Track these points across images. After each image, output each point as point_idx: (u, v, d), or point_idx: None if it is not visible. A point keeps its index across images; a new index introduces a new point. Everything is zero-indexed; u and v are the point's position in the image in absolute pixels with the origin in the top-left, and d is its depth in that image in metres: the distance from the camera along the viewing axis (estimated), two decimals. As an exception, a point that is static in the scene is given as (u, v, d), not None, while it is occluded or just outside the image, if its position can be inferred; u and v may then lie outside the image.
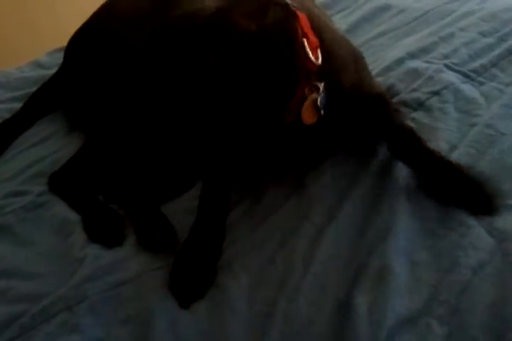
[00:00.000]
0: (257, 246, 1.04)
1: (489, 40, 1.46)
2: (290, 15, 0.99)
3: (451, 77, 1.34)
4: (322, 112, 1.02)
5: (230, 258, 1.03)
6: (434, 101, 1.29)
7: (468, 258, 0.93)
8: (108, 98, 1.24)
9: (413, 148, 1.09)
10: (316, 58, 1.00)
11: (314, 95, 1.01)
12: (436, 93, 1.30)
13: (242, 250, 1.04)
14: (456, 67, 1.38)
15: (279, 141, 1.08)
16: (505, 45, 1.43)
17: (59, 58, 1.52)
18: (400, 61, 1.43)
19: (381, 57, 1.47)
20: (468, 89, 1.30)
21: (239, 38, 0.93)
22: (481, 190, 1.01)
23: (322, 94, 1.01)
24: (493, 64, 1.37)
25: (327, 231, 1.03)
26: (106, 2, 1.42)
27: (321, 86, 1.01)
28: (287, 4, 1.00)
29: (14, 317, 0.98)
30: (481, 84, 1.32)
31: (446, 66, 1.38)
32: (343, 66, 1.09)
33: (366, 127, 1.16)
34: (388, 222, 1.01)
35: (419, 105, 1.29)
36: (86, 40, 1.36)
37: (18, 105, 1.49)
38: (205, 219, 1.05)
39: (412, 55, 1.45)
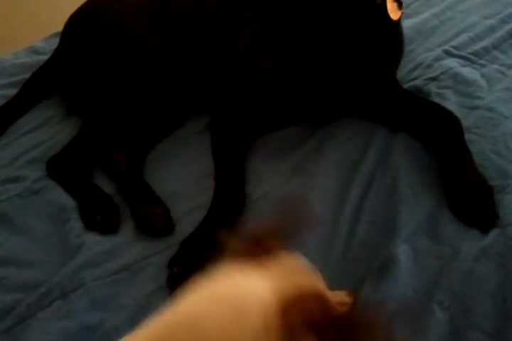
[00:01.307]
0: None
1: (491, 21, 1.44)
2: None
3: (450, 62, 1.33)
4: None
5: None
6: (431, 86, 1.28)
7: (471, 244, 0.92)
8: (105, 80, 1.23)
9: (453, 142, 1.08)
10: None
11: None
12: (433, 79, 1.29)
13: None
14: (456, 51, 1.36)
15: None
16: (507, 27, 1.42)
17: (54, 44, 1.50)
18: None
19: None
20: (468, 72, 1.29)
21: None
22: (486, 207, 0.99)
23: None
24: (495, 46, 1.36)
25: (328, 218, 1.02)
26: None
27: None
28: None
29: (11, 306, 0.97)
30: (483, 66, 1.30)
31: (446, 52, 1.37)
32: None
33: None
34: (390, 210, 1.00)
35: (418, 92, 1.27)
36: (82, 23, 1.35)
37: (13, 91, 1.47)
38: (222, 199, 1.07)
39: (412, 40, 1.44)
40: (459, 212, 0.98)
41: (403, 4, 1.58)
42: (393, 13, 1.03)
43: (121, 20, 1.26)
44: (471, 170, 1.03)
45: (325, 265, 0.95)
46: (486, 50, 1.35)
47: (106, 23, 1.27)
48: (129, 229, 1.08)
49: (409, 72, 1.34)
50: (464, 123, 1.15)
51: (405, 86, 1.29)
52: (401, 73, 1.34)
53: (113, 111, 1.23)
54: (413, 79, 1.31)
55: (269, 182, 1.13)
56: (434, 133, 1.10)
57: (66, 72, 1.35)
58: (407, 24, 1.51)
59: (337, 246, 0.99)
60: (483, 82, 1.24)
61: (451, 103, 1.22)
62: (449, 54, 1.36)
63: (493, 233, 0.94)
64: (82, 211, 1.12)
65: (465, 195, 1.00)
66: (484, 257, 0.90)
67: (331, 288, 0.68)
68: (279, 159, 1.17)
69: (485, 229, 0.95)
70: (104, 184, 1.19)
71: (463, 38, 1.41)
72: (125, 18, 1.26)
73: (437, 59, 1.35)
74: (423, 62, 1.35)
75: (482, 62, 1.32)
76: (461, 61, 1.33)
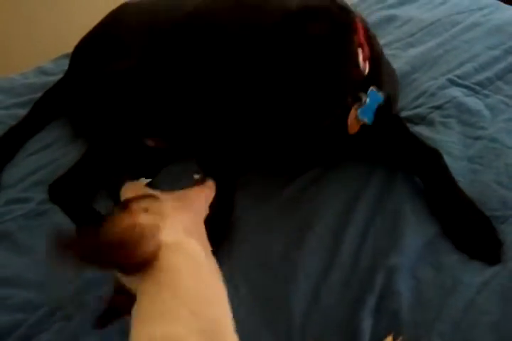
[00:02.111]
0: (260, 256, 1.04)
1: (495, 52, 1.45)
2: (352, 23, 0.98)
3: (454, 91, 1.34)
4: (368, 121, 1.01)
5: (231, 266, 1.02)
6: (435, 115, 1.29)
7: (473, 276, 0.92)
8: (112, 106, 1.24)
9: (436, 175, 1.08)
10: (364, 69, 0.99)
11: (356, 107, 1.00)
12: (438, 107, 1.30)
13: (244, 258, 1.04)
14: (460, 81, 1.37)
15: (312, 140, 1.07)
16: (511, 59, 1.43)
17: (63, 65, 1.52)
18: (404, 76, 1.42)
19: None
20: (472, 102, 1.30)
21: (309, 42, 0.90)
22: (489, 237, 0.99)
23: (367, 103, 1.00)
24: (499, 77, 1.37)
25: (331, 248, 1.02)
26: (112, 11, 1.42)
27: (364, 96, 1.00)
28: (351, 12, 0.99)
29: (13, 327, 0.97)
30: (486, 96, 1.31)
31: (450, 81, 1.38)
32: (385, 79, 1.09)
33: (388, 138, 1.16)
34: (393, 238, 1.01)
35: (421, 119, 1.29)
36: (91, 47, 1.36)
37: (21, 111, 1.49)
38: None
39: (416, 69, 1.45)
40: (459, 244, 0.98)
41: (407, 34, 1.63)
42: (352, 127, 1.03)
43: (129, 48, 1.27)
44: (466, 202, 1.04)
45: (325, 290, 0.96)
46: (489, 80, 1.36)
47: (113, 50, 1.28)
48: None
49: (413, 100, 1.35)
50: (468, 153, 1.16)
51: (409, 113, 1.31)
52: (405, 101, 1.35)
53: (118, 135, 1.23)
54: (417, 107, 1.33)
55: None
56: (421, 171, 1.10)
57: (73, 95, 1.36)
58: (411, 53, 1.53)
59: (338, 271, 0.99)
60: (486, 113, 1.25)
61: (455, 132, 1.23)
62: (453, 83, 1.37)
63: (497, 265, 0.94)
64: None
65: (463, 228, 1.00)
66: (486, 290, 0.90)
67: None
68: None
69: (490, 261, 0.95)
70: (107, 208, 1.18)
71: (467, 67, 1.42)
72: (134, 45, 1.27)
73: (441, 87, 1.36)
74: (427, 90, 1.36)
75: (486, 92, 1.33)
76: (465, 90, 1.34)
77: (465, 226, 1.00)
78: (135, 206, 0.81)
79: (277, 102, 0.94)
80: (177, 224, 0.80)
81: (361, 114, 1.00)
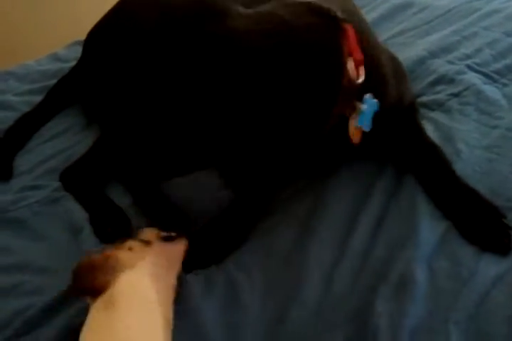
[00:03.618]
0: (273, 245, 1.03)
1: (513, 39, 1.42)
2: (337, 30, 0.97)
3: (473, 78, 1.32)
4: (366, 128, 1.00)
5: (244, 256, 1.02)
6: (453, 102, 1.27)
7: (488, 268, 0.91)
8: (125, 93, 1.24)
9: (436, 170, 1.07)
10: (359, 76, 0.97)
11: (354, 116, 0.99)
12: (456, 94, 1.28)
13: (257, 248, 1.04)
14: (479, 68, 1.35)
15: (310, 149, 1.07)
16: (530, 46, 1.40)
17: (77, 51, 1.52)
18: (421, 61, 1.40)
19: (401, 56, 1.43)
20: (490, 90, 1.28)
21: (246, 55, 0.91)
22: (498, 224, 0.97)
23: (362, 110, 0.98)
24: (518, 65, 1.34)
25: (343, 237, 1.01)
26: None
27: (359, 105, 0.98)
28: (335, 17, 0.98)
29: (23, 311, 0.98)
30: (505, 85, 1.29)
31: (468, 67, 1.36)
32: (385, 82, 1.07)
33: (395, 137, 1.15)
34: (408, 228, 0.99)
35: (439, 106, 1.27)
36: (104, 34, 1.36)
37: (36, 98, 1.49)
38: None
39: (434, 55, 1.43)
40: (470, 237, 0.97)
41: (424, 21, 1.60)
42: (354, 137, 1.02)
43: (142, 34, 1.26)
44: (471, 194, 1.02)
45: (337, 277, 0.96)
46: (508, 68, 1.33)
47: (127, 37, 1.27)
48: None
49: (432, 85, 1.33)
50: (484, 142, 1.15)
51: (427, 99, 1.29)
52: (421, 85, 1.34)
53: (131, 122, 1.23)
54: (435, 93, 1.31)
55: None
56: (421, 169, 1.09)
57: (87, 82, 1.36)
58: (428, 39, 1.51)
59: (350, 260, 0.98)
60: (504, 102, 1.23)
61: (472, 120, 1.21)
62: (471, 69, 1.35)
63: (511, 258, 0.93)
64: (94, 223, 1.13)
65: (471, 221, 0.99)
66: (502, 283, 0.89)
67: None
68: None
69: (502, 252, 0.94)
70: (119, 195, 1.19)
71: (485, 54, 1.39)
72: (146, 32, 1.26)
73: (459, 73, 1.34)
74: (446, 74, 1.34)
75: (504, 81, 1.30)
76: (483, 78, 1.32)
77: (472, 218, 0.99)
78: (126, 244, 0.93)
79: (264, 117, 0.94)
80: (148, 268, 0.90)
81: (358, 122, 0.99)
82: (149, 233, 0.99)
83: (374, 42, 1.10)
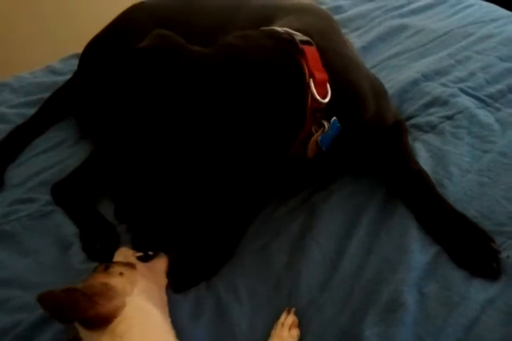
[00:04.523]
0: (263, 267, 1.03)
1: (507, 64, 1.43)
2: (294, 51, 0.98)
3: (466, 101, 1.32)
4: (324, 148, 1.01)
5: (234, 279, 1.02)
6: (446, 125, 1.27)
7: (478, 292, 0.91)
8: (119, 108, 1.23)
9: (423, 196, 1.07)
10: (324, 95, 0.97)
11: (318, 134, 0.99)
12: (449, 117, 1.29)
13: (248, 271, 1.03)
14: (472, 92, 1.36)
15: (287, 170, 1.07)
16: (524, 70, 1.41)
17: (72, 65, 1.52)
18: (414, 83, 1.41)
19: (395, 78, 1.46)
20: (483, 114, 1.28)
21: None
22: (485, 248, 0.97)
23: (328, 131, 0.99)
24: (511, 90, 1.35)
25: (334, 260, 1.01)
26: (124, 12, 1.42)
27: (327, 124, 0.99)
28: (292, 40, 0.98)
29: (12, 327, 0.97)
30: (498, 110, 1.29)
31: (462, 90, 1.36)
32: (360, 99, 1.07)
33: (380, 154, 1.15)
34: (399, 252, 0.99)
35: (432, 128, 1.27)
36: (101, 49, 1.36)
37: (30, 110, 1.49)
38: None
39: (427, 77, 1.44)
40: (459, 262, 0.97)
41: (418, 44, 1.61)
42: (310, 151, 1.02)
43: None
44: (458, 218, 1.02)
45: (327, 300, 0.95)
46: (501, 92, 1.34)
47: (122, 53, 1.27)
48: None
49: (425, 107, 1.34)
50: (476, 165, 1.15)
51: (420, 120, 1.30)
52: (414, 107, 1.34)
53: (124, 137, 1.23)
54: (429, 115, 1.31)
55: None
56: (407, 195, 1.09)
57: (82, 95, 1.36)
58: (422, 62, 1.52)
59: (340, 282, 0.98)
60: (497, 126, 1.23)
61: (464, 143, 1.21)
62: (464, 92, 1.36)
63: (502, 282, 0.92)
64: (83, 240, 1.13)
65: (459, 245, 0.99)
66: (491, 308, 0.89)
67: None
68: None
69: (491, 276, 0.93)
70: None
71: (479, 78, 1.40)
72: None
73: (453, 95, 1.35)
74: (439, 96, 1.35)
75: (497, 105, 1.31)
76: (476, 102, 1.32)
77: (461, 243, 0.99)
78: (113, 269, 0.93)
79: (228, 143, 0.94)
80: (143, 291, 0.90)
81: (320, 141, 1.00)
82: (126, 254, 1.00)
83: (348, 61, 1.10)
